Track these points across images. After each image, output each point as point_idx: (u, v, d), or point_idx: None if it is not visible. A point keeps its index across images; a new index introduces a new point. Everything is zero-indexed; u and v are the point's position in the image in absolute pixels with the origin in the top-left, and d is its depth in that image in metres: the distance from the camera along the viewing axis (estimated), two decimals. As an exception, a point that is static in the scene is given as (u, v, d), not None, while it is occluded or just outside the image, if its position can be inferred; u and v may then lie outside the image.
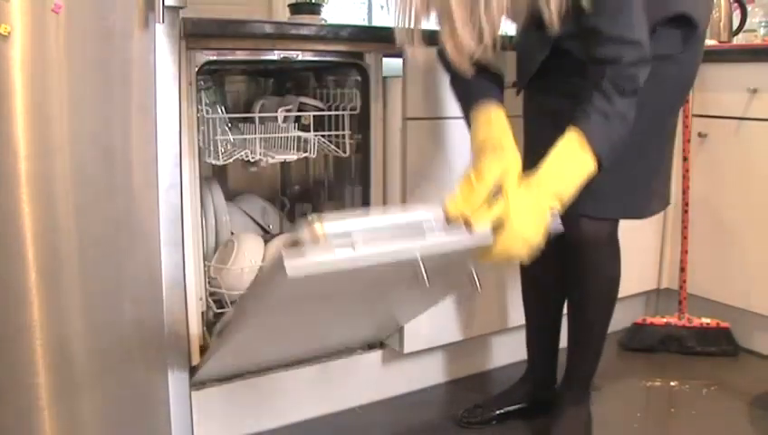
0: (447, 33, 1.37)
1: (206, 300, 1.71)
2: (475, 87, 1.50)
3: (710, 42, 2.53)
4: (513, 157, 1.37)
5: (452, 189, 1.32)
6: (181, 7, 1.46)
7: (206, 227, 1.84)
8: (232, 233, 1.94)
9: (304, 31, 1.67)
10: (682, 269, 2.38)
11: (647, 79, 1.43)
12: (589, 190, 1.40)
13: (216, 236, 1.92)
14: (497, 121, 1.45)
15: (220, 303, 1.81)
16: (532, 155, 1.44)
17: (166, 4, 1.40)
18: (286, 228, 2.13)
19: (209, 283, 1.77)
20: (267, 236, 2.00)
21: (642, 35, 1.40)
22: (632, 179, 1.59)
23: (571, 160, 1.36)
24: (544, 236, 1.31)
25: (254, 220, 2.11)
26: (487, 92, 1.49)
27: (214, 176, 1.99)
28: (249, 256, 1.82)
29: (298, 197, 2.25)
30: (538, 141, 1.56)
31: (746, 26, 2.62)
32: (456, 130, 1.88)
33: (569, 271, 1.70)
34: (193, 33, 1.52)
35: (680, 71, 1.61)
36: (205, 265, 1.71)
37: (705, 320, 2.35)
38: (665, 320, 2.37)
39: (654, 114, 1.56)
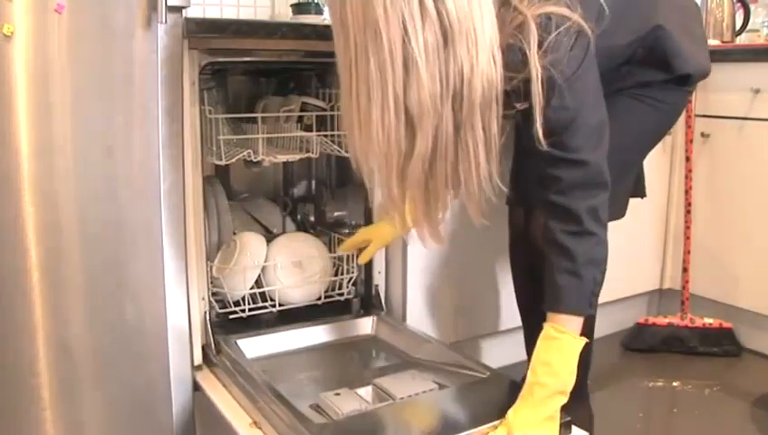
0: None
1: (209, 300, 1.71)
2: None
3: (713, 42, 2.53)
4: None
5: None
6: (184, 7, 1.45)
7: (208, 227, 1.81)
8: (235, 233, 1.92)
9: (306, 31, 1.67)
10: (685, 269, 2.38)
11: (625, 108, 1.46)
12: None
13: (219, 235, 1.90)
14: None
15: (223, 303, 1.81)
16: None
17: (168, 3, 1.40)
18: (289, 228, 2.13)
19: (212, 283, 1.76)
20: (270, 235, 1.99)
21: (588, 156, 1.31)
22: None
23: (555, 354, 1.32)
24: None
25: (257, 220, 2.10)
26: None
27: (216, 176, 1.98)
28: (252, 255, 1.82)
29: (300, 197, 2.24)
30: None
31: (749, 26, 2.61)
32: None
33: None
34: (196, 33, 1.52)
35: (669, 105, 1.60)
36: (207, 265, 1.70)
37: (708, 320, 2.35)
38: (667, 320, 2.37)
39: (635, 132, 1.56)
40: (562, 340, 1.31)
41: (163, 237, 1.49)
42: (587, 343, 1.72)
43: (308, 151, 1.76)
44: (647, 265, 2.46)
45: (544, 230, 1.36)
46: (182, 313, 1.56)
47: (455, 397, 1.47)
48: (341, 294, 1.94)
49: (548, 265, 1.35)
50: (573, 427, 1.37)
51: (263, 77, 2.12)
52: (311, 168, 2.20)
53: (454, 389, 1.49)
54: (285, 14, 2.31)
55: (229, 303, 1.80)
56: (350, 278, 1.93)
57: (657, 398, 2.06)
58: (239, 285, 1.81)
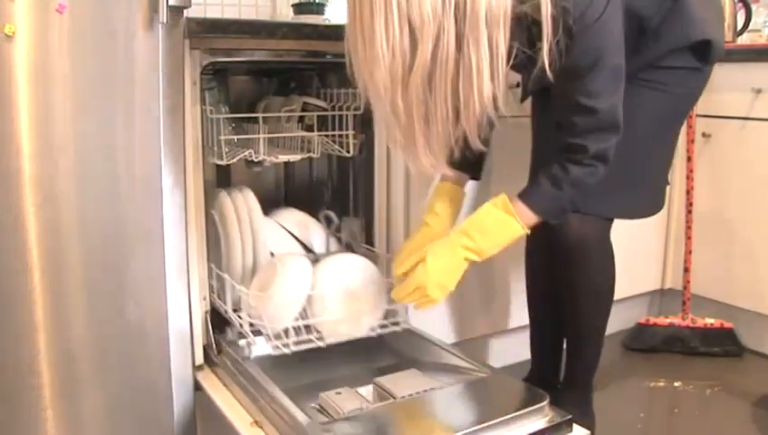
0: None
1: (246, 332, 1.58)
2: None
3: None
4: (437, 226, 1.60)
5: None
6: (185, 7, 1.46)
7: (242, 246, 1.69)
8: (272, 254, 1.75)
9: (308, 31, 1.67)
10: (686, 269, 2.38)
11: (652, 87, 1.47)
12: None
13: (255, 257, 1.72)
14: (438, 192, 1.65)
15: (257, 331, 1.59)
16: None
17: (170, 3, 1.40)
18: (332, 247, 1.86)
19: (249, 314, 1.58)
20: (311, 255, 1.77)
21: (603, 104, 1.38)
22: (619, 180, 1.57)
23: (493, 220, 1.45)
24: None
25: (296, 237, 1.87)
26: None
27: (218, 175, 1.97)
28: (295, 283, 1.58)
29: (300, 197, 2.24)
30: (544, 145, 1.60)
31: (751, 26, 2.61)
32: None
33: (558, 270, 1.71)
34: (197, 33, 1.52)
35: (685, 88, 1.62)
36: (237, 289, 1.59)
37: (709, 320, 2.34)
38: (668, 320, 2.37)
39: (650, 122, 1.57)
40: (508, 219, 1.44)
41: (164, 237, 1.49)
42: (595, 346, 1.74)
43: (309, 151, 1.77)
44: (648, 265, 2.46)
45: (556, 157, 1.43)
46: (183, 312, 1.56)
47: (455, 396, 1.47)
48: (397, 323, 1.69)
49: (543, 167, 1.45)
50: (575, 426, 1.37)
51: (264, 77, 2.12)
52: (312, 168, 2.20)
53: (455, 388, 1.49)
54: (286, 14, 2.31)
55: (269, 336, 1.57)
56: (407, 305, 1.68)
57: (658, 398, 2.06)
58: (281, 317, 1.56)
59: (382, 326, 1.66)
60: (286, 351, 1.53)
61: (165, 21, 1.40)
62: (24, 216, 1.33)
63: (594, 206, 1.58)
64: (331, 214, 1.82)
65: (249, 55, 1.66)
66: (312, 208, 1.93)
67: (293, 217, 1.89)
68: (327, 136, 1.80)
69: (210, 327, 1.67)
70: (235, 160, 1.69)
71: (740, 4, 2.59)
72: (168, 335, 1.53)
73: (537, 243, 1.77)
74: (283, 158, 1.74)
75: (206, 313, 1.67)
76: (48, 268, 1.37)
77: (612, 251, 1.69)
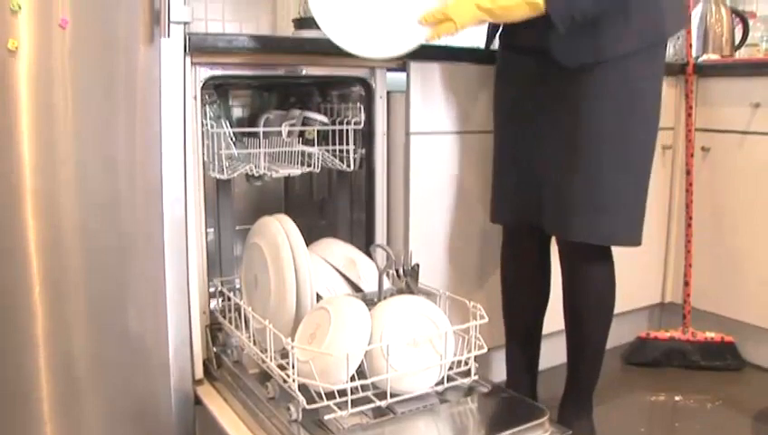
0: None
1: (295, 392, 1.34)
2: None
3: (713, 56, 2.54)
4: None
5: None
6: (187, 22, 1.47)
7: (283, 287, 1.51)
8: (318, 296, 1.56)
9: (308, 46, 1.68)
10: (686, 283, 2.38)
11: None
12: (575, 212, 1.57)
13: (299, 302, 1.51)
14: None
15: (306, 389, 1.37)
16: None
17: (171, 19, 1.41)
18: (385, 285, 1.61)
19: (297, 371, 1.34)
20: (360, 295, 1.61)
21: None
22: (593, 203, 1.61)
23: None
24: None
25: (343, 275, 1.68)
26: None
27: (219, 190, 1.97)
28: (353, 334, 1.37)
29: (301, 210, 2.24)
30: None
31: (748, 40, 2.63)
32: (459, 145, 1.89)
33: (563, 284, 1.74)
34: (198, 48, 1.53)
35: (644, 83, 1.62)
36: (284, 342, 1.36)
37: (710, 334, 2.34)
38: (669, 334, 2.37)
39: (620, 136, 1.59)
40: None
41: (165, 251, 1.50)
42: (596, 359, 1.75)
43: (309, 166, 1.77)
44: (648, 279, 2.46)
45: None
46: (183, 326, 1.56)
47: (455, 411, 1.46)
48: (466, 373, 1.50)
49: None
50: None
51: (265, 91, 2.13)
52: (312, 182, 2.21)
53: (455, 403, 1.48)
54: (287, 28, 2.32)
55: (320, 395, 1.35)
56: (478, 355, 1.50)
57: (658, 412, 2.06)
58: (338, 375, 1.33)
59: (450, 379, 1.47)
60: (342, 413, 1.33)
61: (167, 35, 1.41)
62: (26, 229, 1.34)
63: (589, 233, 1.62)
64: (386, 247, 1.62)
65: (249, 70, 1.66)
66: (312, 222, 1.93)
67: (339, 251, 1.73)
68: (327, 150, 1.81)
69: (210, 341, 1.67)
70: (235, 175, 1.69)
71: (737, 20, 2.61)
72: (168, 349, 1.53)
73: (515, 250, 1.84)
74: (283, 172, 1.74)
75: (206, 327, 1.67)
76: (48, 282, 1.37)
77: (613, 263, 1.69)
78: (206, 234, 1.67)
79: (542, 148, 1.65)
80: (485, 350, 1.48)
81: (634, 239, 1.65)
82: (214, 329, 1.71)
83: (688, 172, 2.34)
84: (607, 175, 1.58)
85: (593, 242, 1.62)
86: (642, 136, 1.61)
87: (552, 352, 1.99)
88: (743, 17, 2.62)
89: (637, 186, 1.63)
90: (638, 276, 2.38)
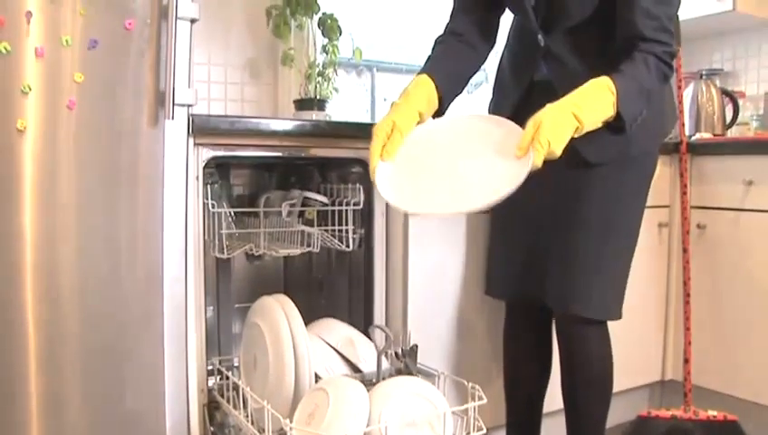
0: None
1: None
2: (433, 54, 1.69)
3: (705, 135, 2.59)
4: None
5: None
6: (191, 105, 1.50)
7: (282, 367, 1.52)
8: (317, 377, 1.57)
9: (308, 128, 1.71)
10: (686, 360, 2.36)
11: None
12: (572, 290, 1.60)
13: (297, 383, 1.51)
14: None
15: None
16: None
17: (176, 101, 1.45)
18: (384, 366, 1.63)
19: None
20: (359, 376, 1.62)
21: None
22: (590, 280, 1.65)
23: (596, 93, 1.44)
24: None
25: (341, 355, 1.69)
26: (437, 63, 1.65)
27: (219, 269, 1.98)
28: (351, 416, 1.36)
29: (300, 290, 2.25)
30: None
31: (739, 119, 2.68)
32: (457, 224, 1.90)
33: (560, 359, 1.75)
34: (201, 130, 1.56)
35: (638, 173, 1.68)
36: (283, 423, 1.35)
37: (712, 413, 2.31)
38: (670, 413, 2.34)
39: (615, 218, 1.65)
40: (608, 95, 1.43)
41: (164, 329, 1.50)
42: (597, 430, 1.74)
43: (309, 245, 1.78)
44: (648, 356, 2.45)
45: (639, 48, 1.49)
46: (181, 404, 1.55)
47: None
48: None
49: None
50: None
51: (265, 171, 2.16)
52: (311, 261, 2.22)
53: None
54: (288, 109, 2.37)
55: None
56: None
57: (662, 494, 2.02)
58: None
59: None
60: None
61: (171, 117, 1.45)
62: (25, 305, 1.34)
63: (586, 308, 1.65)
64: (385, 328, 1.63)
65: (251, 151, 1.69)
66: (311, 300, 1.93)
67: (338, 332, 1.74)
68: (327, 230, 1.82)
69: (208, 420, 1.65)
70: (235, 254, 1.70)
71: (727, 99, 2.67)
72: (165, 427, 1.52)
73: (516, 328, 1.86)
74: (283, 252, 1.76)
75: (204, 405, 1.65)
76: (45, 357, 1.37)
77: (609, 340, 1.70)
78: (206, 311, 1.67)
79: (544, 224, 1.70)
80: (484, 431, 1.48)
81: (617, 313, 1.70)
82: (211, 408, 1.69)
83: (685, 250, 2.35)
84: (602, 253, 1.64)
85: (588, 316, 1.65)
86: (635, 222, 1.70)
87: (554, 433, 1.97)
88: (732, 97, 2.68)
89: (625, 264, 1.70)
90: (637, 354, 2.37)
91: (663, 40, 1.48)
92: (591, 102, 1.42)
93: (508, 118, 1.50)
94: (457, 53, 1.67)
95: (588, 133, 1.43)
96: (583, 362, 1.70)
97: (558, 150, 1.37)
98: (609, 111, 1.43)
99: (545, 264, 1.69)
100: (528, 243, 1.74)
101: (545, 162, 1.37)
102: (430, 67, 1.62)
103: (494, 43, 1.75)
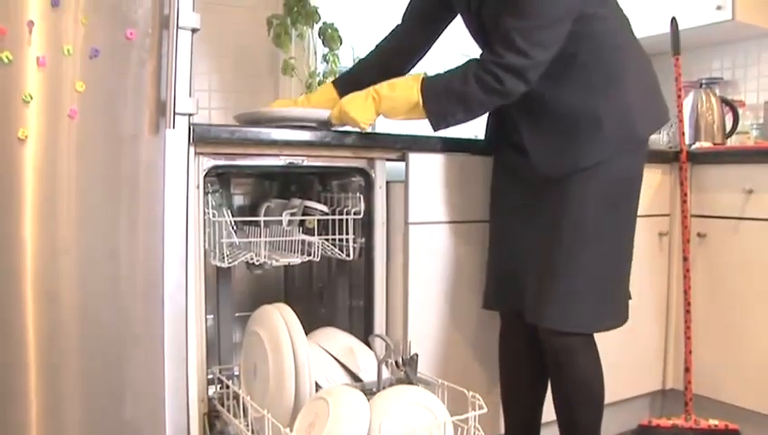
0: None
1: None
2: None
3: (705, 144, 2.59)
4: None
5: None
6: (192, 114, 1.51)
7: (282, 376, 1.52)
8: (317, 386, 1.57)
9: (309, 137, 1.71)
10: (687, 369, 2.36)
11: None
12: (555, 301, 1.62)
13: (298, 392, 1.51)
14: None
15: None
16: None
17: (177, 110, 1.45)
18: (384, 375, 1.63)
19: None
20: (359, 385, 1.62)
21: (536, 54, 1.53)
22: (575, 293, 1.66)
23: (401, 80, 1.71)
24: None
25: (342, 364, 1.69)
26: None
27: (219, 279, 1.97)
28: (351, 425, 1.36)
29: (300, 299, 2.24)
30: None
31: (739, 128, 2.68)
32: (458, 234, 1.91)
33: (549, 373, 1.77)
34: (202, 139, 1.56)
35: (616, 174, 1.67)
36: (283, 432, 1.34)
37: (714, 421, 2.31)
38: (671, 422, 2.34)
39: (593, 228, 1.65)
40: (411, 82, 1.67)
41: (164, 338, 1.50)
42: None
43: (309, 255, 1.78)
44: (648, 365, 2.44)
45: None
46: (181, 414, 1.54)
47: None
48: None
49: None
50: None
51: (266, 180, 2.16)
52: (312, 270, 2.21)
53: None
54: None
55: None
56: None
57: (664, 503, 2.01)
58: None
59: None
60: None
61: (172, 126, 1.45)
62: (25, 314, 1.34)
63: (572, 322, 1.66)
64: (385, 337, 1.64)
65: (252, 160, 1.70)
66: (312, 309, 1.93)
67: (339, 341, 1.74)
68: (327, 240, 1.82)
69: (208, 429, 1.65)
70: (236, 263, 1.70)
71: (727, 108, 2.67)
72: (167, 437, 1.52)
73: (510, 342, 1.88)
74: (283, 261, 1.75)
75: (204, 414, 1.65)
76: (45, 367, 1.37)
77: (596, 351, 1.70)
78: (206, 320, 1.67)
79: (525, 238, 1.73)
80: (483, 439, 1.47)
81: (603, 325, 1.71)
82: (211, 416, 1.68)
83: (685, 258, 2.35)
84: (583, 267, 1.64)
85: (563, 329, 1.66)
86: (613, 230, 1.68)
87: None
88: (732, 106, 2.68)
89: (607, 274, 1.69)
90: (638, 363, 2.36)
91: (497, 51, 1.55)
92: (392, 84, 1.68)
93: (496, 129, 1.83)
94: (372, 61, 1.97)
95: (541, 148, 1.64)
96: (570, 373, 1.71)
97: (352, 112, 1.67)
98: (410, 93, 1.64)
99: (525, 279, 1.72)
100: (512, 258, 1.78)
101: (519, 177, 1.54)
102: (338, 78, 2.00)
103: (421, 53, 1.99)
